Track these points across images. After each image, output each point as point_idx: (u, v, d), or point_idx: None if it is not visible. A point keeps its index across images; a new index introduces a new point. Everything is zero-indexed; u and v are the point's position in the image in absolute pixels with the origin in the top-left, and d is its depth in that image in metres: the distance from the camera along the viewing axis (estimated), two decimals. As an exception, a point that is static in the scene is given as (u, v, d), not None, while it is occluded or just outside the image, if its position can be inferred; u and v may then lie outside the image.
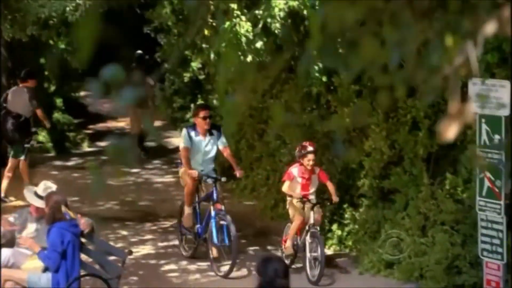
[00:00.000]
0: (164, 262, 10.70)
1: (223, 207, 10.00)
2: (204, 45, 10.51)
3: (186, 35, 11.20)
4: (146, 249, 11.19)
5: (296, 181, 9.94)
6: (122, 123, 19.23)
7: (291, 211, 10.02)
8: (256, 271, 6.29)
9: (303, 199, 9.88)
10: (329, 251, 10.79)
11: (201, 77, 16.83)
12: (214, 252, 10.05)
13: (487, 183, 8.53)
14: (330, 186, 10.06)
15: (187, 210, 10.23)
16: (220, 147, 10.18)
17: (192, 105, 16.23)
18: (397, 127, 10.98)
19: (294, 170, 9.93)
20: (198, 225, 10.30)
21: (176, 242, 11.03)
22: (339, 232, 11.30)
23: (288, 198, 10.06)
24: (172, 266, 10.56)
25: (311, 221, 9.84)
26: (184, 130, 10.18)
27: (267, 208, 12.49)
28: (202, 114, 9.97)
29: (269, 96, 12.84)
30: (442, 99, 9.02)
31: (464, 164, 9.77)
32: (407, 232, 10.00)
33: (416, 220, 9.98)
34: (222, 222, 9.91)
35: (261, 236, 11.66)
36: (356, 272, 10.23)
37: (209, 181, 10.13)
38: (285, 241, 10.10)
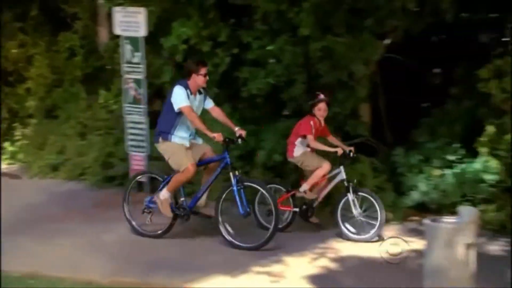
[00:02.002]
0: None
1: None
2: None
3: None
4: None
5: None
6: None
7: (312, 161, 7.94)
8: None
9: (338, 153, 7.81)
10: (3, 165, 11.06)
11: None
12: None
13: (131, 92, 9.54)
14: (334, 140, 8.16)
15: (167, 195, 7.57)
16: (209, 107, 7.72)
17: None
18: (57, 55, 11.70)
19: (311, 122, 7.92)
20: (182, 198, 7.73)
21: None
22: (12, 148, 11.68)
23: (303, 151, 7.99)
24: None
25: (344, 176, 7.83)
26: (181, 88, 7.38)
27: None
28: (203, 70, 7.45)
29: None
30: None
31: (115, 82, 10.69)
32: (70, 139, 10.78)
33: (77, 129, 10.82)
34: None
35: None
36: (26, 178, 10.67)
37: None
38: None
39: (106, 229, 8.01)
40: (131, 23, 9.34)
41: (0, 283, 6.43)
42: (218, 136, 7.24)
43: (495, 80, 8.51)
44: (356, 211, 7.70)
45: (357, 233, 7.73)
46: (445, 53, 10.71)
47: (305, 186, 7.93)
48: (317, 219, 8.23)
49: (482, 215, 7.64)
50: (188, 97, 7.38)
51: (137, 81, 9.44)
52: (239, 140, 7.50)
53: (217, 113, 7.74)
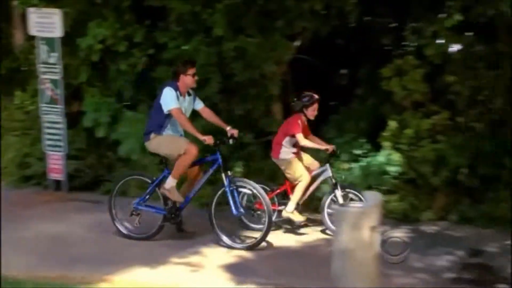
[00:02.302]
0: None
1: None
2: None
3: None
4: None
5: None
6: None
7: (295, 171, 7.73)
8: None
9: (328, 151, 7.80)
10: None
11: None
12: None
13: (48, 92, 9.45)
14: (315, 138, 8.01)
15: (173, 183, 7.26)
16: (199, 108, 7.51)
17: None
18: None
19: (299, 121, 7.76)
20: None
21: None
22: None
23: (289, 157, 7.79)
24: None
25: (330, 173, 7.78)
26: (171, 89, 7.14)
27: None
28: (192, 71, 7.24)
29: None
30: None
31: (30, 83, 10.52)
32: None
33: (-6, 130, 10.59)
34: (242, 190, 7.38)
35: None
36: None
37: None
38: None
39: (24, 227, 7.91)
40: (46, 24, 9.24)
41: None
42: (208, 139, 7.05)
43: (396, 78, 8.93)
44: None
45: None
46: (350, 55, 11.09)
47: (291, 206, 7.68)
48: (303, 217, 8.04)
49: (386, 205, 8.02)
50: (178, 99, 7.13)
51: (53, 82, 9.36)
52: (231, 140, 7.32)
53: (207, 114, 7.54)
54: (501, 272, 6.57)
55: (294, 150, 7.85)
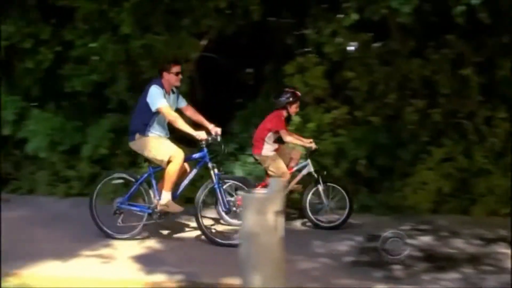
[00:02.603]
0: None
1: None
2: None
3: None
4: None
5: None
6: None
7: (278, 168, 7.71)
8: None
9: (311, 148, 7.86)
10: None
11: None
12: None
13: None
14: (292, 134, 8.11)
15: (168, 196, 7.04)
16: (182, 106, 7.32)
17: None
18: None
19: (282, 118, 7.78)
20: (157, 198, 7.20)
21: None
22: None
23: (272, 154, 7.82)
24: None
25: (312, 169, 7.84)
26: (157, 87, 6.92)
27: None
28: (175, 69, 7.04)
29: None
30: None
31: None
32: None
33: None
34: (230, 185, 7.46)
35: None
36: None
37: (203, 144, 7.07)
38: None
39: None
40: None
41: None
42: (202, 135, 6.90)
43: (299, 75, 9.20)
44: (325, 200, 7.74)
45: (326, 221, 7.79)
46: (256, 53, 11.29)
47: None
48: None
49: (292, 196, 8.24)
50: (164, 97, 6.92)
51: None
52: (219, 137, 7.15)
53: (191, 112, 7.34)
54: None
55: (276, 146, 7.88)
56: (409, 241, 7.33)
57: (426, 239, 7.46)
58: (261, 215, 4.89)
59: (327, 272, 6.34)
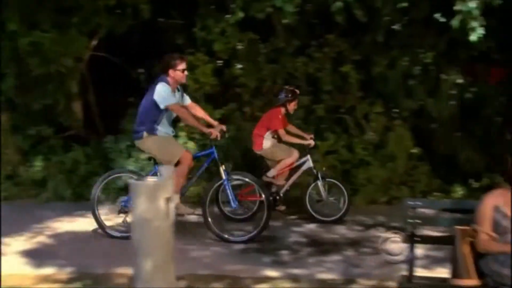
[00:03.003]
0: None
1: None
2: None
3: None
4: None
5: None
6: None
7: (282, 152, 7.85)
8: None
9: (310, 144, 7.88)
10: None
11: None
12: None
13: None
14: (293, 128, 8.14)
15: (177, 199, 6.78)
16: (187, 104, 7.04)
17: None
18: None
19: (280, 116, 7.82)
20: None
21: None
22: None
23: (272, 141, 7.89)
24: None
25: (311, 164, 7.90)
26: (165, 85, 6.64)
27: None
28: (182, 66, 6.74)
29: None
30: None
31: None
32: None
33: None
34: (238, 183, 7.27)
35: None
36: None
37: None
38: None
39: None
40: None
41: None
42: (214, 132, 6.74)
43: (189, 73, 9.23)
44: (324, 195, 7.77)
45: (326, 216, 7.80)
46: (148, 53, 11.25)
47: (273, 172, 7.79)
48: (284, 207, 8.11)
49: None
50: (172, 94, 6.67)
51: None
52: (226, 134, 7.13)
53: (195, 110, 7.11)
54: (282, 241, 7.10)
55: (275, 141, 7.96)
56: (296, 228, 7.57)
57: (311, 226, 7.71)
58: (152, 201, 4.92)
59: (218, 260, 6.43)
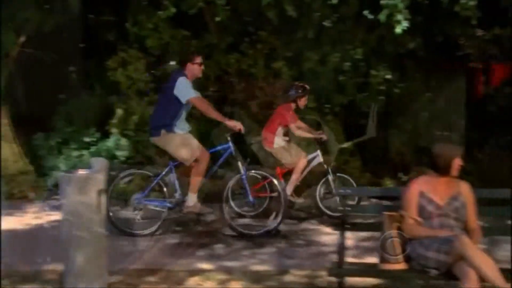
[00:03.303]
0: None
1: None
2: None
3: None
4: None
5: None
6: None
7: (290, 158, 7.76)
8: None
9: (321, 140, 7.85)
10: None
11: None
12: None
13: None
14: (301, 124, 8.05)
15: (195, 199, 6.79)
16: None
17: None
18: None
19: (291, 112, 7.74)
20: (178, 192, 6.86)
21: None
22: None
23: (282, 143, 7.77)
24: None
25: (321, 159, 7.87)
26: (185, 79, 6.54)
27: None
28: (198, 59, 6.65)
29: None
30: None
31: None
32: None
33: None
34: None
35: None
36: None
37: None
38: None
39: None
40: None
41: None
42: (238, 125, 6.57)
43: (121, 69, 9.16)
44: (335, 190, 7.61)
45: (334, 210, 7.72)
46: (80, 49, 11.08)
47: (289, 189, 7.66)
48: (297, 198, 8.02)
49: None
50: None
51: None
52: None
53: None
54: (217, 235, 7.14)
55: (287, 138, 7.87)
56: (232, 223, 7.58)
57: (245, 221, 7.74)
58: (83, 194, 4.83)
59: (151, 254, 6.37)
